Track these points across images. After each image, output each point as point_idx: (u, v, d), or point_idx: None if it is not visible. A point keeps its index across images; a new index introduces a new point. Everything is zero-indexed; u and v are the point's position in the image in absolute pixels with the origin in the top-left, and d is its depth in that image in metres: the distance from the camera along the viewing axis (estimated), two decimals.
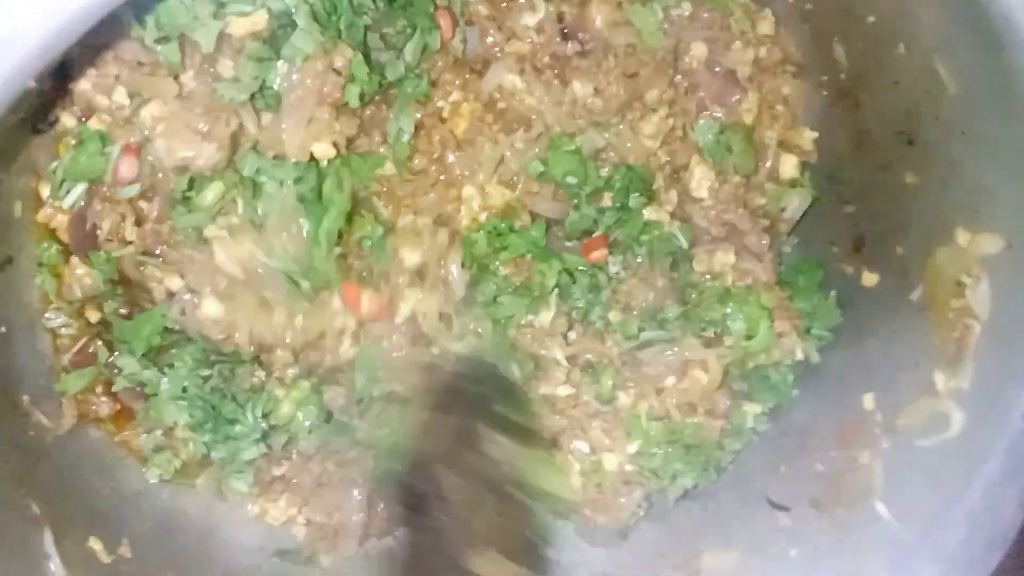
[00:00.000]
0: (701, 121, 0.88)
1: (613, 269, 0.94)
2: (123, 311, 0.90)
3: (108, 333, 0.90)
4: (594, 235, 0.92)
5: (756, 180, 0.91)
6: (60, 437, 0.88)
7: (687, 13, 0.86)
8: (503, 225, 0.89)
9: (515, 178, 0.90)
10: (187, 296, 0.88)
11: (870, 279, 0.93)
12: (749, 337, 0.92)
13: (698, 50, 0.87)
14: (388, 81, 0.80)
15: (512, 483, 0.84)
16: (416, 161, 0.88)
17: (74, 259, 0.87)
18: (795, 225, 1.00)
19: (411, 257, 0.88)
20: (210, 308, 0.85)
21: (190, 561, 0.96)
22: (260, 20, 0.70)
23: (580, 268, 0.93)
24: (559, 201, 0.91)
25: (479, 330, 0.93)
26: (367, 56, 0.76)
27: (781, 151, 0.92)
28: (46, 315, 0.87)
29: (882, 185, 0.89)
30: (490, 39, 0.86)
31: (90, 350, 0.90)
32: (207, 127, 0.77)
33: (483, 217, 0.91)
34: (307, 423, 0.95)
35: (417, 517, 0.87)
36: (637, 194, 0.88)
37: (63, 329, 0.89)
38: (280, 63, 0.74)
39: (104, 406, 0.92)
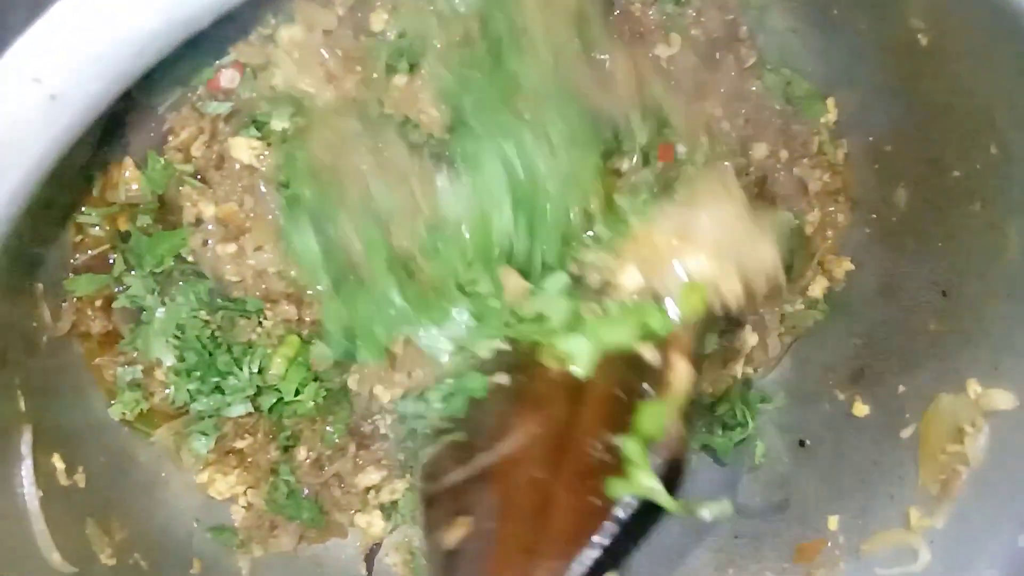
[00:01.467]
0: (783, 211, 0.93)
1: None
2: (151, 229, 0.85)
3: (128, 247, 0.86)
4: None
5: (792, 288, 0.97)
6: (53, 340, 0.82)
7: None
8: None
9: None
10: (212, 227, 0.85)
11: (861, 410, 0.99)
12: None
13: (782, 152, 0.94)
14: None
15: None
16: None
17: (128, 160, 0.83)
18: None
19: None
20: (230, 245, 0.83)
21: (131, 512, 0.89)
22: None
23: None
24: None
25: None
26: None
27: (818, 272, 0.98)
28: (82, 208, 0.82)
29: (900, 326, 0.95)
30: None
31: (109, 259, 0.85)
32: (339, 73, 0.76)
33: None
34: (294, 383, 0.91)
35: None
36: None
37: (92, 228, 0.83)
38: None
39: (98, 322, 0.86)
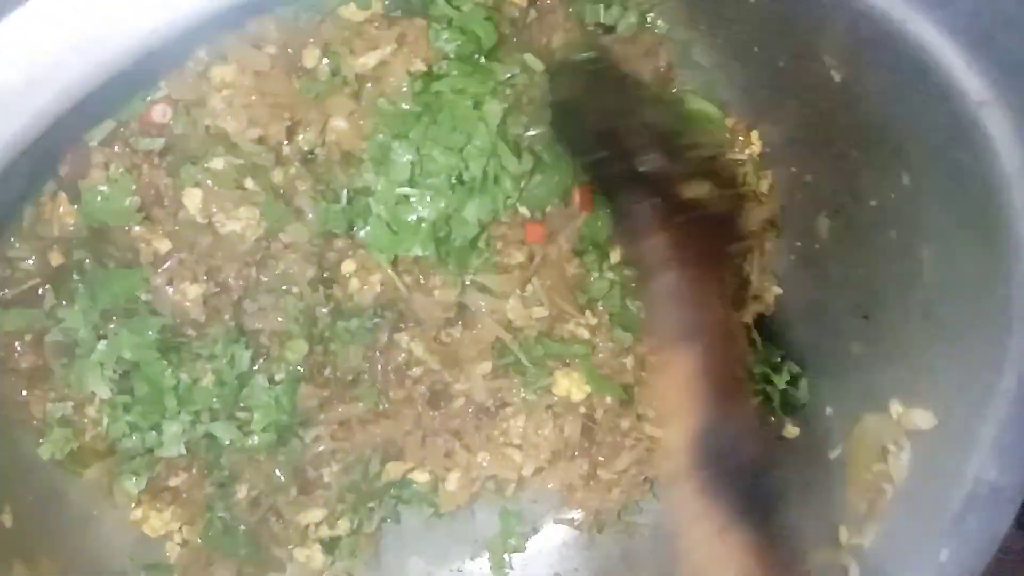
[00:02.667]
0: None
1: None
2: (90, 263, 0.84)
3: (61, 281, 0.85)
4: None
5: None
6: None
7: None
8: None
9: None
10: (169, 264, 0.84)
11: (791, 432, 1.02)
12: None
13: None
14: None
15: None
16: None
17: (62, 196, 0.82)
18: None
19: None
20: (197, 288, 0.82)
21: (62, 551, 0.87)
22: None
23: None
24: None
25: None
26: None
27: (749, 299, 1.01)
28: (12, 241, 0.81)
29: (825, 349, 0.99)
30: None
31: (39, 292, 0.83)
32: (266, 119, 0.78)
33: None
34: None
35: None
36: None
37: (22, 262, 0.82)
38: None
39: (26, 358, 0.84)
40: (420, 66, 0.78)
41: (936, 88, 0.65)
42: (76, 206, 0.81)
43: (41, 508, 0.87)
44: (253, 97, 0.76)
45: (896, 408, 0.89)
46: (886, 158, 0.81)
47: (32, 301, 0.83)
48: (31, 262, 0.82)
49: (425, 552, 1.10)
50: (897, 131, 0.77)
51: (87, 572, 0.90)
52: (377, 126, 0.82)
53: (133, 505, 0.94)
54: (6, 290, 0.82)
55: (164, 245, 0.83)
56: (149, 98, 0.78)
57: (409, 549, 1.10)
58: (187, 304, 0.82)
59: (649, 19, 0.94)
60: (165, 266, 0.83)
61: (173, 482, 0.95)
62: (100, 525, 0.93)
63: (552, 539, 1.11)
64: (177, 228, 0.83)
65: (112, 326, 0.85)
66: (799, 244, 1.01)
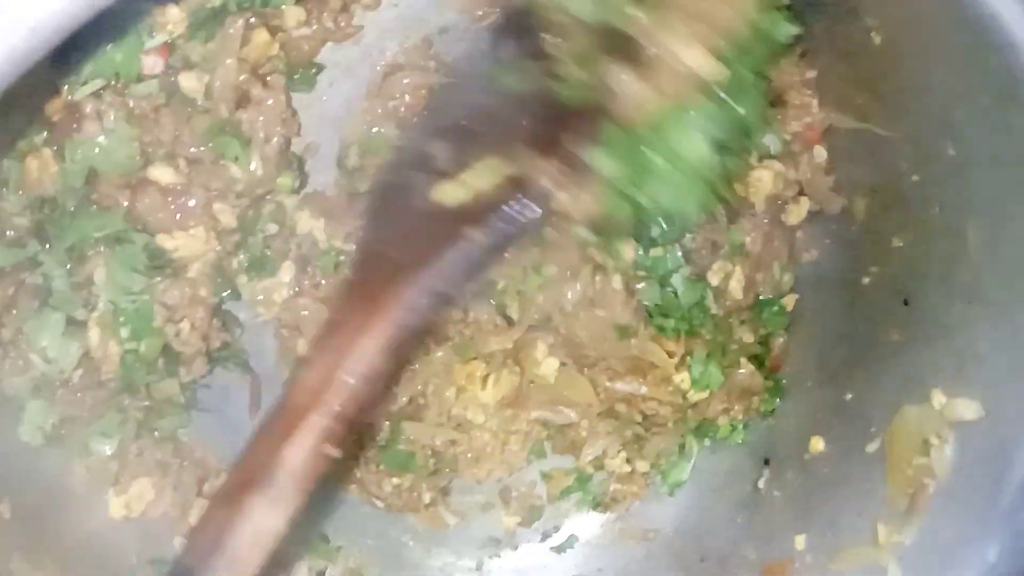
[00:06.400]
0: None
1: None
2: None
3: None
4: None
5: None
6: None
7: None
8: None
9: None
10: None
11: (816, 447, 0.97)
12: None
13: None
14: None
15: None
16: None
17: (47, 152, 0.79)
18: None
19: None
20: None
21: (66, 545, 0.84)
22: None
23: None
24: None
25: None
26: None
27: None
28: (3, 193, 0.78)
29: (862, 339, 0.94)
30: None
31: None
32: None
33: None
34: None
35: None
36: None
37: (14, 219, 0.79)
38: None
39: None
40: None
41: (984, 39, 0.61)
42: (61, 164, 0.79)
43: (42, 500, 0.84)
44: None
45: (939, 398, 0.84)
46: (930, 128, 0.76)
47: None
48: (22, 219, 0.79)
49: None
50: (943, 95, 0.72)
51: (90, 568, 0.87)
52: None
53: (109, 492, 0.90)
54: None
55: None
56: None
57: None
58: None
59: None
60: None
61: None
62: (104, 519, 0.90)
63: (574, 539, 1.09)
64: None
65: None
66: (834, 226, 0.96)
